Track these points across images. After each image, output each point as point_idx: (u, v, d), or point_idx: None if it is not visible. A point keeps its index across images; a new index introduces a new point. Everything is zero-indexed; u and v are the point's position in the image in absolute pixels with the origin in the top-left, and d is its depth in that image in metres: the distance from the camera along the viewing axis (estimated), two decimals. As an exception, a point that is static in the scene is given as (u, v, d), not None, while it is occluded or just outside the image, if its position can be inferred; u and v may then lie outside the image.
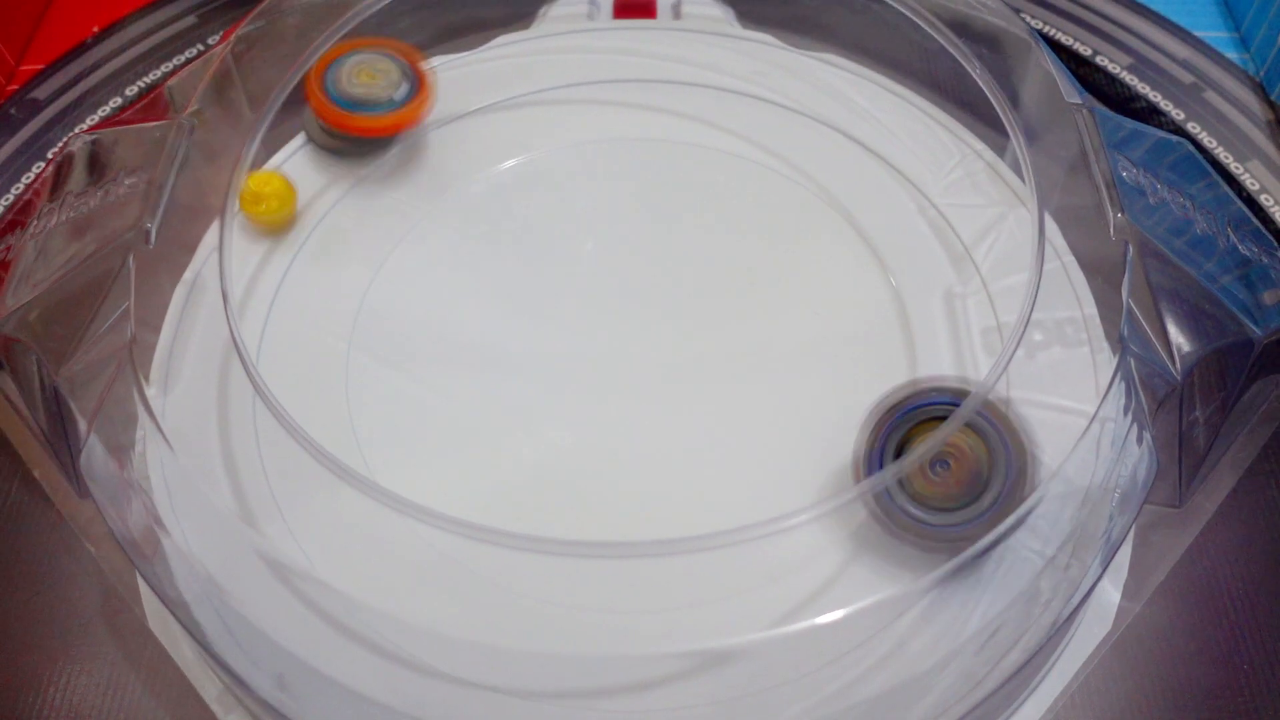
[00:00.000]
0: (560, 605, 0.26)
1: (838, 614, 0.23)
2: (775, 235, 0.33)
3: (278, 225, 0.32)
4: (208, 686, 0.28)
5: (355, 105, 0.32)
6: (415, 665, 0.25)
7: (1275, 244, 0.31)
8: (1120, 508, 0.26)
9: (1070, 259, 0.31)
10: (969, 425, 0.25)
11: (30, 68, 0.42)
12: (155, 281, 0.30)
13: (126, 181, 0.30)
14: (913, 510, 0.25)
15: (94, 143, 0.32)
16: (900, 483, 0.26)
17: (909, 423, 0.26)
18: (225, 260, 0.28)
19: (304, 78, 0.32)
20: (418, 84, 0.33)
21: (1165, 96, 0.40)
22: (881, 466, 0.26)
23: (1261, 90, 0.40)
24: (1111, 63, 0.41)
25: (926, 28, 0.32)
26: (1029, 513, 0.25)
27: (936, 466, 0.25)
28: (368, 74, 0.32)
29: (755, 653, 0.25)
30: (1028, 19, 0.41)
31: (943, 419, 0.25)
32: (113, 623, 0.29)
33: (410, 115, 0.33)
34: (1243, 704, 0.27)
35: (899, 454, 0.26)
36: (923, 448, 0.24)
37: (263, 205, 0.32)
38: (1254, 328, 0.28)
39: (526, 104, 0.36)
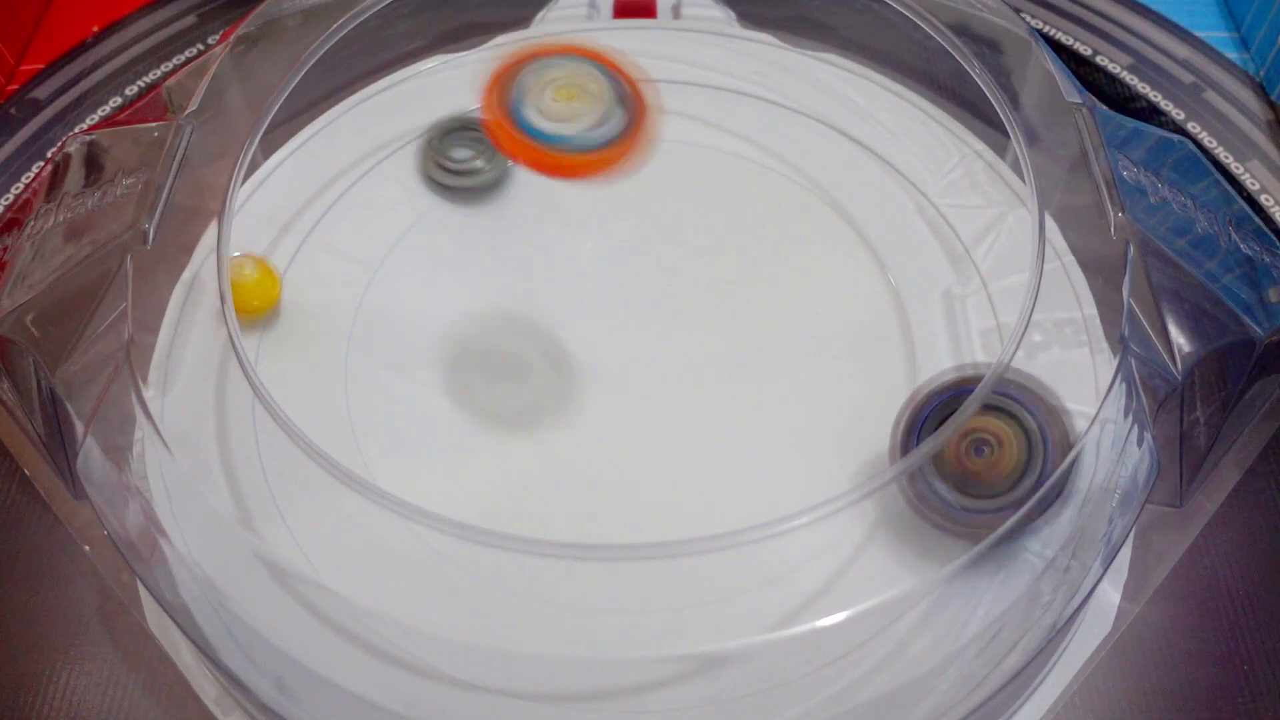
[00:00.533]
0: (561, 607, 0.26)
1: (838, 616, 0.23)
2: (774, 235, 0.33)
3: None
4: (207, 688, 0.28)
5: (552, 136, 0.24)
6: (415, 668, 0.25)
7: (1277, 243, 0.31)
8: (1121, 509, 0.26)
9: (1070, 259, 0.31)
10: (1007, 412, 0.25)
11: (30, 68, 0.42)
12: (153, 282, 0.30)
13: (124, 182, 0.30)
14: (951, 497, 0.25)
15: (91, 143, 0.32)
16: (940, 471, 0.26)
17: (948, 410, 0.26)
18: (223, 261, 0.28)
19: (482, 93, 0.25)
20: (634, 108, 0.25)
21: (1165, 96, 0.40)
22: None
23: (1261, 90, 0.40)
24: (1111, 63, 0.41)
25: (926, 28, 0.32)
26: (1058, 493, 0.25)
27: (978, 451, 0.25)
28: (569, 92, 0.25)
29: (756, 655, 0.25)
30: (1028, 19, 0.40)
31: (990, 406, 0.25)
32: (111, 624, 0.29)
33: (624, 151, 0.25)
34: (1243, 704, 0.27)
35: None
36: (930, 443, 0.24)
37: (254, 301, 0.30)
38: (1255, 327, 0.28)
39: (526, 104, 0.36)
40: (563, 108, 0.25)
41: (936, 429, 0.25)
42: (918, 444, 0.26)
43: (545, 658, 0.25)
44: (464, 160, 0.33)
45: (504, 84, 0.25)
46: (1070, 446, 0.25)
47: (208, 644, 0.25)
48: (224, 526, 0.26)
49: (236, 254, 0.30)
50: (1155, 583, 0.29)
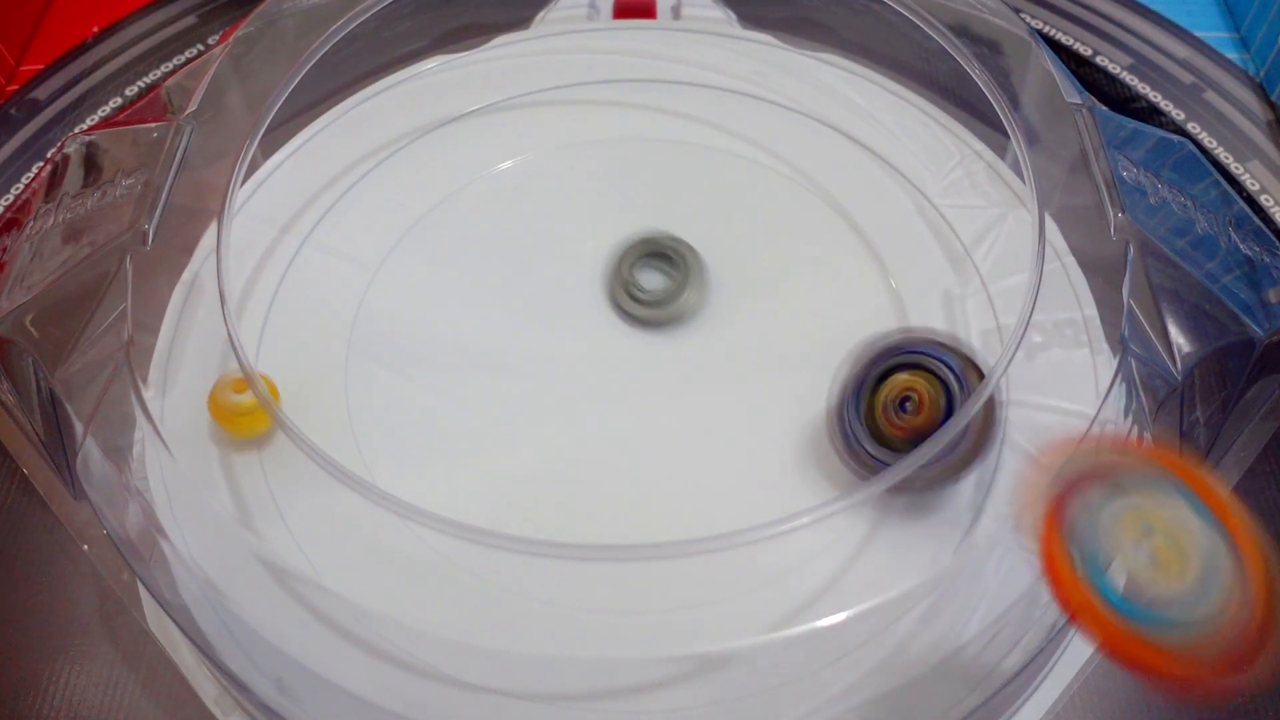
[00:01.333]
0: (560, 607, 0.26)
1: (839, 616, 0.23)
2: (774, 235, 0.33)
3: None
4: (207, 688, 0.28)
5: (1153, 616, 0.17)
6: (415, 668, 0.25)
7: (1277, 243, 0.31)
8: (1121, 509, 0.26)
9: (1070, 260, 0.31)
10: (930, 372, 0.26)
11: (30, 68, 0.42)
12: (153, 283, 0.30)
13: (124, 183, 0.30)
14: (878, 454, 0.26)
15: (90, 144, 0.32)
16: (868, 428, 0.26)
17: (883, 370, 0.27)
18: (223, 261, 0.28)
19: (1038, 528, 0.19)
20: (1240, 565, 0.17)
21: (1165, 96, 0.40)
22: (858, 408, 0.26)
23: (1261, 90, 0.40)
24: (1111, 63, 0.41)
25: (926, 28, 0.32)
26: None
27: (903, 407, 0.26)
28: (1171, 548, 0.18)
29: (756, 655, 0.25)
30: (1028, 19, 0.40)
31: (917, 367, 0.26)
32: (111, 624, 0.29)
33: (1243, 635, 0.17)
34: (1243, 704, 0.27)
35: (870, 398, 0.26)
36: (923, 450, 0.24)
37: (244, 419, 0.28)
38: (1255, 328, 0.28)
39: (526, 104, 0.36)
40: (1163, 575, 0.17)
41: (874, 389, 0.26)
42: (857, 405, 0.26)
43: (545, 658, 0.25)
44: (655, 290, 0.31)
45: (1064, 519, 0.18)
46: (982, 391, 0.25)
47: (208, 644, 0.25)
48: (224, 526, 0.26)
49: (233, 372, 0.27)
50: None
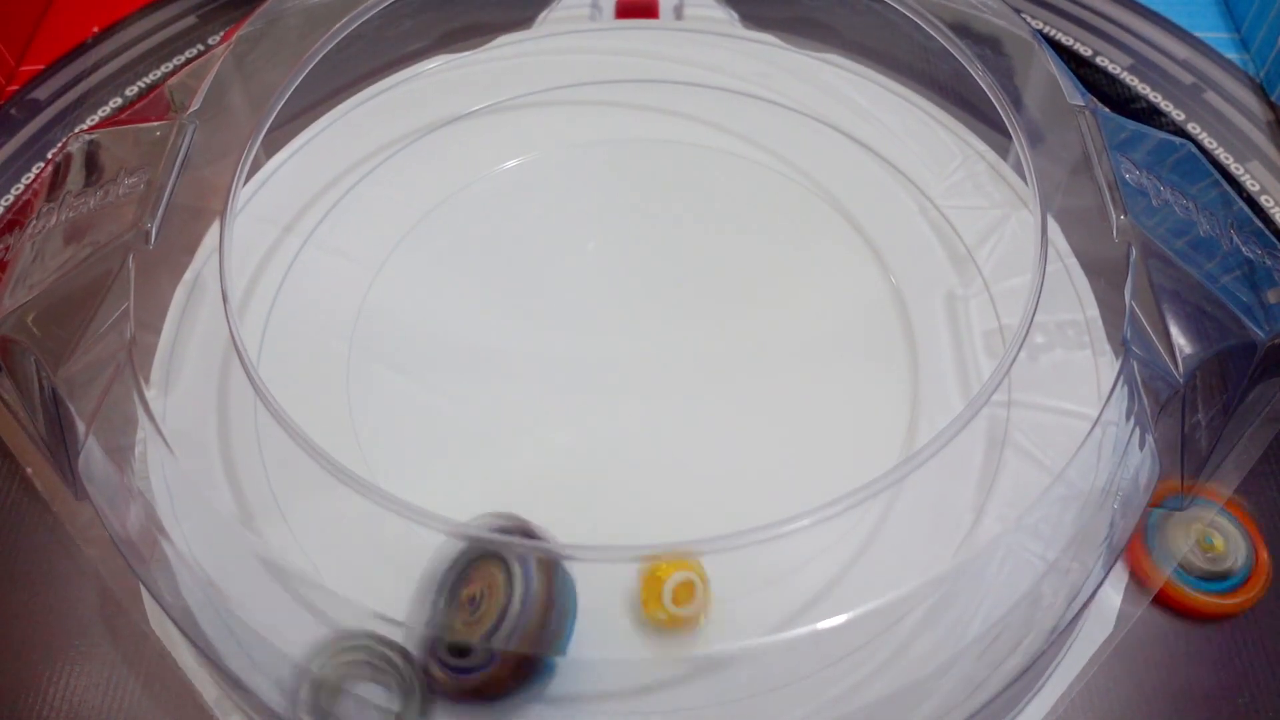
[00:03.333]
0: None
1: (840, 618, 0.23)
2: (776, 236, 0.33)
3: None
4: (207, 689, 0.27)
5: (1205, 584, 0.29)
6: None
7: (1278, 245, 0.31)
8: (1122, 511, 0.26)
9: (1072, 261, 0.31)
10: (500, 560, 0.24)
11: (30, 68, 0.42)
12: (155, 282, 0.30)
13: (126, 182, 0.30)
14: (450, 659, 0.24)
15: (92, 143, 0.32)
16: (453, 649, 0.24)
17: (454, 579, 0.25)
18: (225, 261, 0.28)
19: None
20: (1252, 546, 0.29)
21: (1165, 97, 0.40)
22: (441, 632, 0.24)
23: (1261, 91, 0.40)
24: (1112, 63, 0.41)
25: (928, 29, 0.32)
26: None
27: (472, 604, 0.24)
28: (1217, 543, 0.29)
29: (757, 657, 0.25)
30: (1028, 19, 0.40)
31: (494, 556, 0.24)
32: (111, 624, 0.29)
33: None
34: (1243, 704, 0.27)
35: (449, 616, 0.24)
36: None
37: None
38: (1257, 330, 0.28)
39: (527, 104, 0.36)
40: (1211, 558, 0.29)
41: (456, 581, 0.24)
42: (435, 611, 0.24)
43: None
44: None
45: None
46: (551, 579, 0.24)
47: (208, 644, 0.25)
48: (225, 527, 0.26)
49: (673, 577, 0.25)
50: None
